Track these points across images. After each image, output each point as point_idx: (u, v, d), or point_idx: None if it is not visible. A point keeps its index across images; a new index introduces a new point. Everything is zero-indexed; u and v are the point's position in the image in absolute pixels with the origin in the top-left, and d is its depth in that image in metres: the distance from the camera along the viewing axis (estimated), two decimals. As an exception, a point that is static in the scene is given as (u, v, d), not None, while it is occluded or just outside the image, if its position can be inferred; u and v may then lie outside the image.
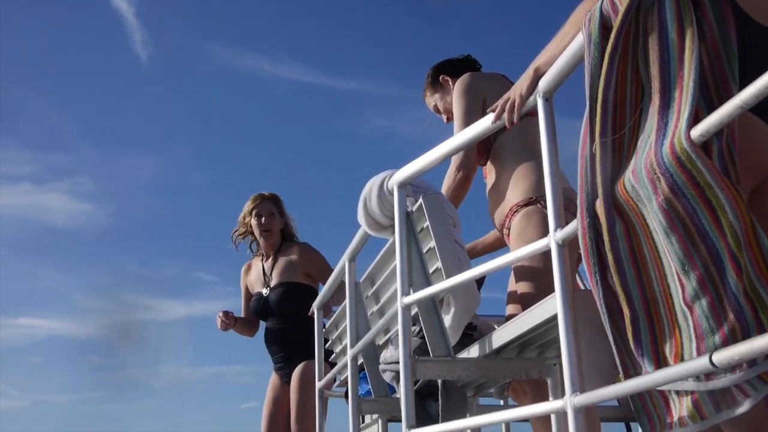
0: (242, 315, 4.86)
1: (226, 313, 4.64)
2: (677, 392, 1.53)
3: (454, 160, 2.77)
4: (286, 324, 4.55)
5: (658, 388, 1.56)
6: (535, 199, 2.56)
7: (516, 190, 2.64)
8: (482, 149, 2.81)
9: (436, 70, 3.09)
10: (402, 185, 2.30)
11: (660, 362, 1.43)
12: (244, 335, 4.82)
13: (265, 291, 4.64)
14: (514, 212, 2.61)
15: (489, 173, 2.84)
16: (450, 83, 3.00)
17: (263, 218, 4.68)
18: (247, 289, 4.87)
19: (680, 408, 1.51)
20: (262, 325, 4.72)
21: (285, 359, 4.53)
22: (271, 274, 4.67)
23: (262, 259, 4.77)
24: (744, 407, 1.41)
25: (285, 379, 4.53)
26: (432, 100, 3.10)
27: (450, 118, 3.04)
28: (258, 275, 4.77)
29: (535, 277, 2.47)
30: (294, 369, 4.46)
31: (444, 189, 2.80)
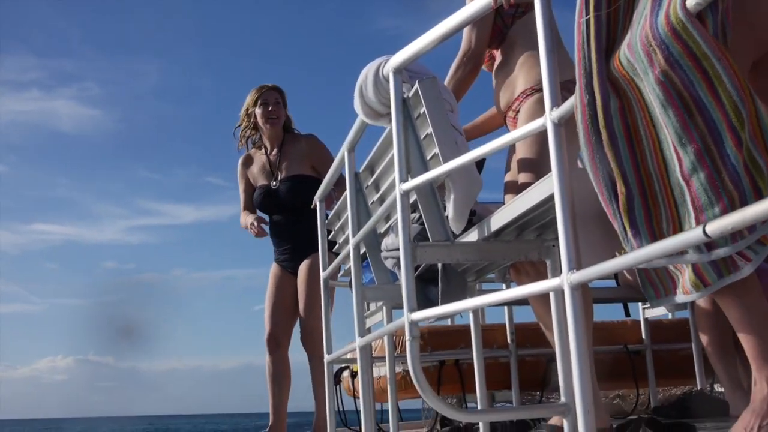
0: (242, 207, 4.84)
1: (260, 219, 4.64)
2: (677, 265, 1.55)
3: (463, 51, 2.71)
4: (295, 217, 4.57)
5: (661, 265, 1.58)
6: None
7: (529, 75, 2.60)
8: (497, 32, 2.76)
9: None
10: (398, 71, 2.26)
11: (656, 238, 1.44)
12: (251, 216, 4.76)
13: (273, 184, 4.63)
14: (527, 95, 2.59)
15: (499, 56, 2.79)
16: None
17: (270, 106, 4.64)
18: (248, 181, 4.82)
19: (683, 278, 1.54)
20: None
21: (292, 251, 4.57)
22: (279, 167, 4.64)
23: (266, 152, 4.73)
24: (747, 270, 1.44)
25: (290, 270, 4.60)
26: None
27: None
28: (262, 167, 4.73)
29: (533, 167, 2.47)
30: (301, 261, 4.53)
31: (449, 79, 2.76)
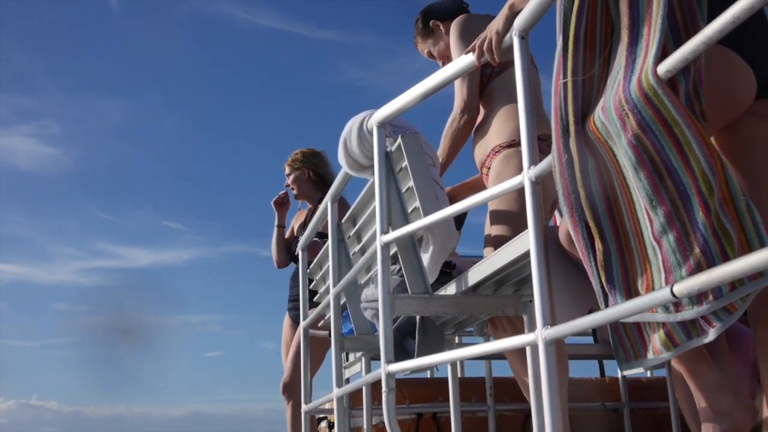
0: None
1: (283, 194, 4.95)
2: (650, 325, 1.58)
3: (458, 105, 2.76)
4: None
5: (633, 322, 1.61)
6: (518, 141, 2.57)
7: (500, 132, 2.65)
8: None
9: (425, 16, 3.05)
10: (381, 125, 2.31)
11: (631, 295, 1.47)
12: (277, 252, 5.02)
13: (300, 238, 4.80)
14: (496, 152, 2.63)
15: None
16: (441, 28, 2.98)
17: (288, 184, 4.92)
18: (292, 231, 5.08)
19: (653, 339, 1.56)
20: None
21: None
22: (307, 224, 4.82)
23: (309, 210, 4.97)
24: (711, 336, 1.47)
25: (296, 321, 4.68)
26: (425, 46, 3.07)
27: (446, 63, 3.04)
28: (301, 222, 4.98)
29: (510, 219, 2.50)
30: None
31: (446, 132, 2.79)
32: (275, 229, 5.02)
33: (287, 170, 4.95)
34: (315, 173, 4.88)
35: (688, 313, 1.37)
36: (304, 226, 4.87)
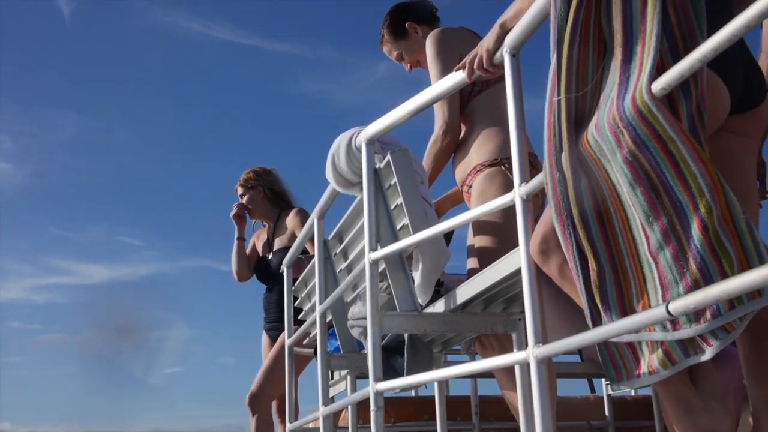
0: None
1: (240, 206, 4.94)
2: (647, 344, 1.57)
3: (440, 125, 2.73)
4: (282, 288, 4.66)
5: (627, 341, 1.60)
6: (500, 161, 2.58)
7: (482, 150, 2.65)
8: None
9: (398, 16, 3.00)
10: (370, 141, 2.31)
11: (627, 314, 1.46)
12: (238, 264, 5.00)
13: (269, 256, 4.84)
14: (477, 171, 2.63)
15: None
16: (418, 31, 2.96)
17: (241, 204, 4.96)
18: (254, 248, 5.08)
19: (650, 358, 1.55)
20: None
21: (280, 320, 4.62)
22: (272, 241, 4.87)
23: (268, 227, 5.00)
24: (706, 355, 1.46)
25: (274, 340, 4.66)
26: (395, 48, 3.02)
27: (413, 67, 3.02)
28: (263, 241, 5.00)
29: (494, 231, 2.50)
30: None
31: (429, 152, 2.78)
32: (235, 242, 5.02)
33: (240, 191, 4.97)
34: (270, 190, 4.95)
35: (686, 331, 1.36)
36: (268, 243, 4.91)
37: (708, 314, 1.32)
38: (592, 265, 1.47)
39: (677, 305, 1.18)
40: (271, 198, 4.95)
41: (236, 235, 5.02)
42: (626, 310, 1.45)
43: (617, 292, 1.46)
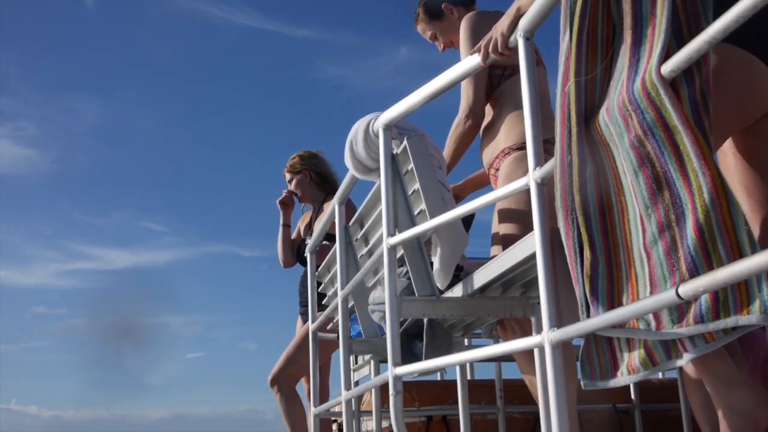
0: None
1: (288, 193, 4.94)
2: (628, 342, 1.55)
3: (463, 109, 2.73)
4: None
5: (606, 340, 1.59)
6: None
7: (510, 134, 2.64)
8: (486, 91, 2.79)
9: None
10: (387, 127, 2.31)
11: (614, 308, 1.45)
12: (283, 251, 5.01)
13: (308, 239, 4.79)
14: (506, 154, 2.62)
15: (486, 114, 2.84)
16: (454, 13, 2.95)
17: (290, 189, 4.96)
18: (298, 232, 5.08)
19: (630, 357, 1.54)
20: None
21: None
22: (313, 224, 4.85)
23: (313, 210, 4.99)
24: (683, 361, 1.45)
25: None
26: (430, 28, 3.01)
27: (446, 47, 3.02)
28: (306, 224, 4.99)
29: (518, 218, 2.49)
30: None
31: (452, 135, 2.78)
32: (281, 228, 5.02)
33: (288, 176, 4.96)
34: (317, 174, 4.91)
35: (668, 333, 1.35)
36: (309, 227, 4.89)
37: (690, 319, 1.31)
38: (586, 253, 1.46)
39: (687, 288, 1.17)
40: (317, 181, 4.92)
41: (281, 222, 5.03)
42: (614, 304, 1.44)
43: (608, 285, 1.45)
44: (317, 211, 4.89)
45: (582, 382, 1.65)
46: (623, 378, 1.54)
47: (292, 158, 4.97)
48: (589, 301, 1.46)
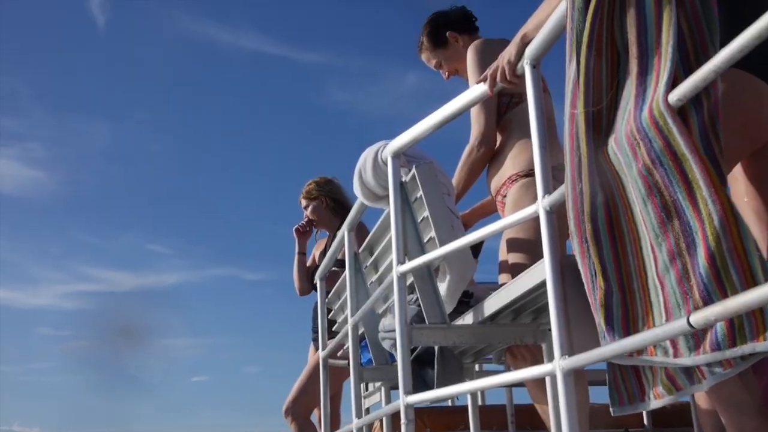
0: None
1: (306, 222, 4.91)
2: (651, 369, 1.55)
3: (475, 136, 2.75)
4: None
5: (631, 366, 1.59)
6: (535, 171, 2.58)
7: (517, 161, 2.65)
8: None
9: (439, 25, 3.02)
10: (396, 155, 2.32)
11: (630, 335, 1.44)
12: (299, 279, 4.97)
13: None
14: (513, 181, 2.63)
15: None
16: (459, 41, 2.97)
17: (307, 216, 4.94)
18: (314, 259, 5.06)
19: (654, 382, 1.54)
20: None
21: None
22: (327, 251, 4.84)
23: (329, 236, 4.99)
24: (704, 386, 1.44)
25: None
26: (434, 56, 3.04)
27: (451, 75, 3.04)
28: (322, 250, 4.97)
29: (526, 247, 2.49)
30: None
31: (464, 162, 2.78)
32: (296, 257, 4.99)
33: (304, 203, 4.94)
34: (333, 200, 4.89)
35: (685, 360, 1.35)
36: (324, 254, 4.88)
37: (707, 346, 1.30)
38: (599, 283, 1.46)
39: (698, 317, 1.17)
40: (333, 208, 4.91)
41: (297, 250, 4.99)
42: (629, 332, 1.44)
43: (623, 313, 1.45)
44: (332, 238, 4.88)
45: (611, 409, 1.64)
46: (651, 402, 1.54)
47: (308, 185, 4.96)
48: (605, 329, 1.45)
